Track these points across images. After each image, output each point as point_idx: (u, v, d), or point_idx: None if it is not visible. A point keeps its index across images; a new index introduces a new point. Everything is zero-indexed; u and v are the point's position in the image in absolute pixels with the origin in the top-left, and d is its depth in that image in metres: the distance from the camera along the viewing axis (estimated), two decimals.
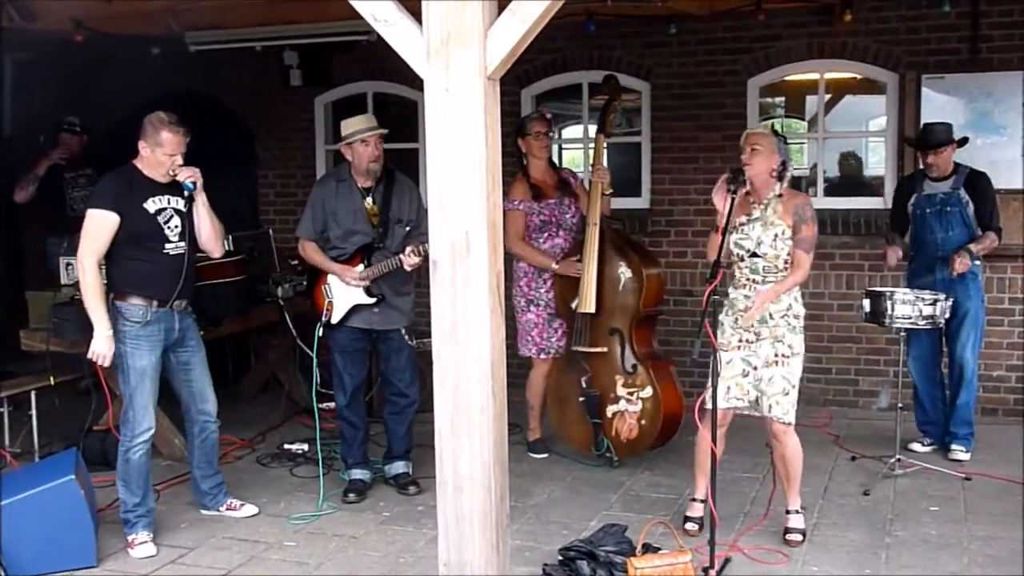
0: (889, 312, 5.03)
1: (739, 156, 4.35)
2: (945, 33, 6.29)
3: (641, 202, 7.05)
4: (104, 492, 4.88)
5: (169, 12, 6.08)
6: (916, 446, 5.69)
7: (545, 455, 5.78)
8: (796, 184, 4.80)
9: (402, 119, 7.41)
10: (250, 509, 4.95)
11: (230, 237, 5.50)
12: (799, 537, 4.43)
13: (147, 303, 4.45)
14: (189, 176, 4.49)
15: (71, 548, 4.29)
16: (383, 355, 5.21)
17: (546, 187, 5.66)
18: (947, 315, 5.14)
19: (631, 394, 5.37)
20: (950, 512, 4.78)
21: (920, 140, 5.59)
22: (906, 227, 5.70)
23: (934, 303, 5.04)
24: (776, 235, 4.31)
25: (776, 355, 4.33)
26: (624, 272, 5.42)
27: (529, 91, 7.22)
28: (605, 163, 5.74)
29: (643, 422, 5.36)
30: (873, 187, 7.07)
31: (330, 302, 5.08)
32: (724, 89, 6.74)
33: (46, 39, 6.40)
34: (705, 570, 4.00)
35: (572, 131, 8.40)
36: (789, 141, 4.58)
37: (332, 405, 5.39)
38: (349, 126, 5.01)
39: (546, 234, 5.63)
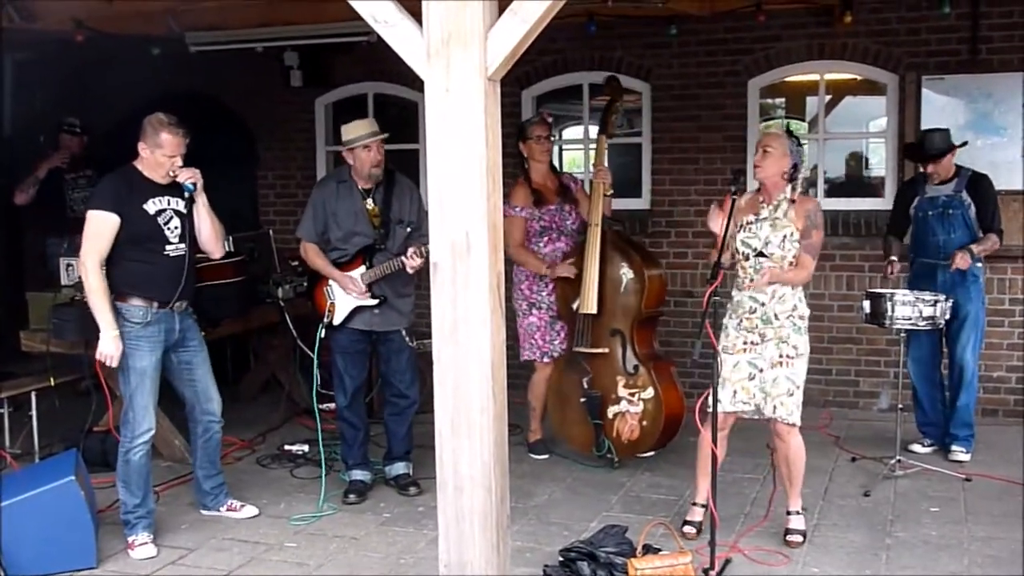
0: (889, 313, 5.03)
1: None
2: (945, 34, 6.29)
3: (641, 203, 7.05)
4: (104, 493, 4.88)
5: (170, 13, 6.08)
6: (916, 447, 5.69)
7: (546, 456, 5.78)
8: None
9: (402, 120, 7.41)
10: (250, 510, 4.95)
11: (230, 238, 5.48)
12: (799, 538, 4.42)
13: (147, 304, 4.45)
14: (189, 177, 4.48)
15: (71, 549, 4.29)
16: (383, 356, 5.21)
17: (547, 192, 5.65)
18: (947, 316, 5.13)
19: (632, 395, 5.37)
20: (950, 513, 4.78)
21: (919, 151, 5.55)
22: (905, 230, 5.70)
23: (934, 304, 5.04)
24: (785, 236, 4.31)
25: (781, 356, 4.33)
26: (626, 273, 5.42)
27: (530, 92, 7.22)
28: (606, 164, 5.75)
29: (644, 423, 5.36)
30: (873, 188, 7.07)
31: (332, 303, 5.08)
32: (724, 90, 6.73)
33: (46, 39, 6.40)
34: (705, 571, 4.00)
35: (573, 132, 8.40)
36: (801, 142, 4.56)
37: (332, 406, 5.39)
38: (350, 131, 4.99)
39: (546, 239, 5.63)
